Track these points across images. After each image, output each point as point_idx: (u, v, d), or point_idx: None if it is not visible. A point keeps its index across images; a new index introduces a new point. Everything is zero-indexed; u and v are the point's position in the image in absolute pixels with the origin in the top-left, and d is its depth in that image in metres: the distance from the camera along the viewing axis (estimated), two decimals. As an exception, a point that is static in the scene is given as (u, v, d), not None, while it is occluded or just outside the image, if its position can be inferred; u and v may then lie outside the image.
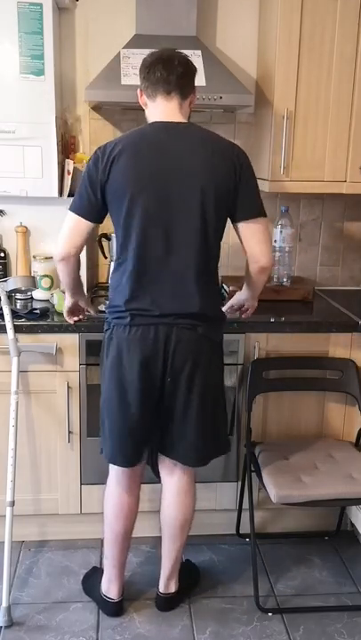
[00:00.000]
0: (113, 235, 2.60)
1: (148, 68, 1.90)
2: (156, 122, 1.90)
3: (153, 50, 1.96)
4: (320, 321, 2.49)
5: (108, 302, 2.00)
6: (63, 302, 2.37)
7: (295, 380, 2.44)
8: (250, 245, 1.96)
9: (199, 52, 2.39)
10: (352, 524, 2.65)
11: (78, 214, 1.92)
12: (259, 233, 1.94)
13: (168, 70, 1.88)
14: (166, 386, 1.92)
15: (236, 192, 1.89)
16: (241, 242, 1.98)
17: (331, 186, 2.55)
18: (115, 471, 2.09)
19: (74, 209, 1.93)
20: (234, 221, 1.95)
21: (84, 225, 1.93)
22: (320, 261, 3.00)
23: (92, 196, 1.89)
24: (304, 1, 2.37)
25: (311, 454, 2.36)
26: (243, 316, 2.24)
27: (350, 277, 3.03)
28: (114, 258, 1.96)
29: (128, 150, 1.84)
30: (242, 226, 1.94)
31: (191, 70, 1.93)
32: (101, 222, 1.98)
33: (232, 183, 1.88)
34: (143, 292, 1.88)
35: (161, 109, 1.90)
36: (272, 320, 2.40)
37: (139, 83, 1.96)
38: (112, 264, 2.62)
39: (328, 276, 3.02)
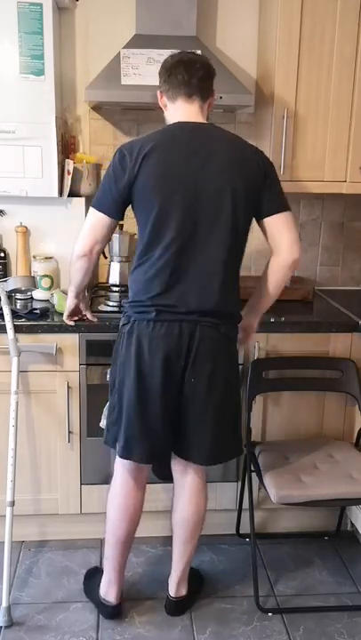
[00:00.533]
0: (113, 235, 2.60)
1: (168, 71, 1.93)
2: (180, 122, 1.93)
3: (173, 51, 2.00)
4: (320, 321, 2.49)
5: (128, 296, 1.98)
6: (63, 302, 2.37)
7: (295, 380, 2.44)
8: (280, 238, 1.94)
9: (199, 52, 2.39)
10: (352, 524, 2.66)
11: (101, 211, 1.95)
12: (288, 225, 1.94)
13: (190, 73, 1.91)
14: (187, 384, 1.92)
15: (262, 189, 1.91)
16: (268, 238, 1.96)
17: (331, 186, 2.55)
18: (122, 470, 2.07)
19: (96, 206, 1.96)
20: (260, 218, 1.95)
21: (106, 221, 1.95)
22: (320, 261, 3.00)
23: (115, 194, 1.91)
24: (304, 1, 2.37)
25: (311, 454, 2.36)
26: (238, 344, 2.08)
27: (350, 277, 3.03)
28: (137, 253, 1.96)
29: (158, 149, 1.86)
30: (269, 220, 1.93)
31: (211, 73, 1.97)
32: (122, 219, 2.00)
33: (259, 181, 1.90)
34: (170, 288, 1.88)
35: (182, 112, 1.93)
36: (272, 320, 2.40)
37: (158, 84, 1.99)
38: (112, 261, 2.65)
39: (328, 276, 3.02)
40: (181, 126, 1.92)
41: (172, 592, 2.20)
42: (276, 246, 1.96)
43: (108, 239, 2.03)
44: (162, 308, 1.88)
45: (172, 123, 1.95)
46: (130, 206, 1.97)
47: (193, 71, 1.91)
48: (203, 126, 1.92)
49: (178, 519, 2.13)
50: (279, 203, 1.94)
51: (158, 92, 2.00)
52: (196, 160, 1.86)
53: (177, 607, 2.20)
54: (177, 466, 2.10)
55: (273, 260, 1.99)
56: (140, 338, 1.90)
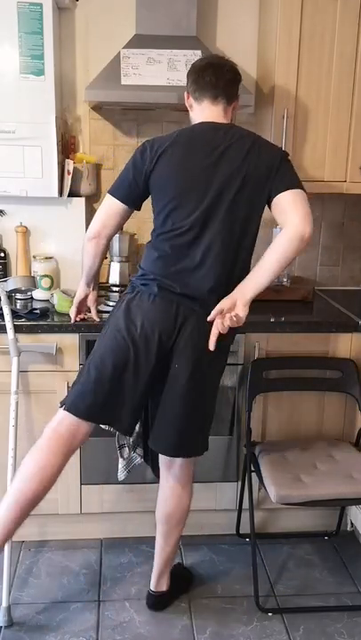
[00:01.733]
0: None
1: (197, 73, 1.99)
2: (202, 122, 1.98)
3: (202, 55, 2.10)
4: (320, 321, 2.49)
5: (137, 272, 2.02)
6: (63, 302, 2.37)
7: (295, 380, 2.44)
8: (291, 211, 1.85)
9: (199, 52, 2.39)
10: (352, 524, 2.66)
11: (115, 196, 2.01)
12: (301, 200, 1.88)
13: (217, 76, 1.97)
14: (171, 369, 1.92)
15: (275, 177, 1.90)
16: (279, 215, 1.90)
17: (331, 186, 2.55)
18: (56, 429, 1.96)
19: (112, 191, 2.03)
20: (272, 199, 1.90)
21: (119, 207, 2.01)
22: (320, 261, 3.00)
23: (132, 182, 1.98)
24: (304, 1, 2.37)
25: (311, 454, 2.36)
26: (222, 324, 1.87)
27: (350, 277, 3.03)
28: (153, 235, 2.00)
29: (178, 144, 1.93)
30: (280, 196, 1.88)
31: (238, 78, 2.03)
32: (137, 209, 2.05)
33: (272, 171, 1.90)
34: (179, 272, 1.91)
35: (207, 113, 1.99)
36: (272, 320, 2.40)
37: (186, 85, 2.04)
38: (112, 261, 2.65)
39: (328, 275, 3.02)
40: (203, 125, 1.98)
41: (152, 586, 2.21)
42: (287, 220, 1.86)
43: (118, 227, 2.08)
44: (165, 286, 1.91)
45: (195, 122, 2.00)
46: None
47: (221, 74, 1.97)
48: (223, 125, 1.97)
49: (160, 514, 2.13)
50: (291, 182, 1.91)
51: (185, 92, 2.05)
52: (213, 155, 1.90)
53: (156, 602, 2.21)
54: (162, 460, 2.10)
55: (282, 232, 1.86)
56: (138, 307, 1.92)
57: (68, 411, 1.96)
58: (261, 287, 1.86)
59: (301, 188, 1.91)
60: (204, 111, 1.99)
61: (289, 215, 1.86)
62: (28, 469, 1.96)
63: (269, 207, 1.94)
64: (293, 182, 1.91)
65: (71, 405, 1.96)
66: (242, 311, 1.86)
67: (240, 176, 1.88)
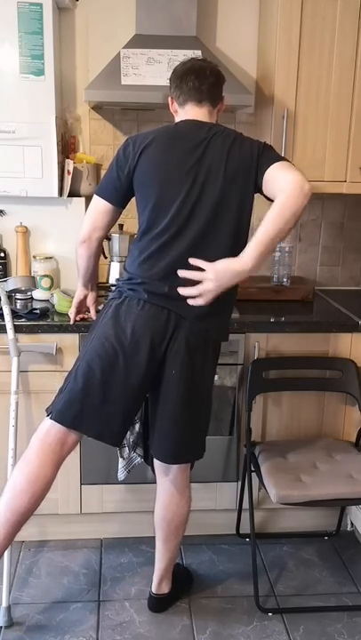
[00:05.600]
0: (113, 235, 2.61)
1: (180, 78, 1.98)
2: (185, 119, 1.98)
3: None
4: (320, 321, 2.49)
5: (123, 275, 2.00)
6: (63, 302, 2.37)
7: (295, 380, 2.44)
8: (282, 176, 1.79)
9: (199, 52, 2.39)
10: (352, 524, 2.66)
11: (101, 197, 2.01)
12: (288, 166, 1.83)
13: (200, 80, 1.95)
14: (166, 374, 1.90)
15: (257, 163, 1.87)
16: (271, 188, 1.83)
17: (331, 186, 2.55)
18: (43, 440, 1.94)
19: (98, 192, 2.03)
20: (260, 184, 1.86)
21: (107, 208, 2.01)
22: (320, 261, 3.00)
23: (117, 181, 1.97)
24: (304, 1, 2.37)
25: (311, 454, 2.36)
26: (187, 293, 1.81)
27: (350, 277, 3.03)
28: (136, 237, 1.99)
29: (158, 140, 1.93)
30: (267, 172, 1.84)
31: (221, 80, 2.01)
32: (124, 207, 2.05)
33: (255, 161, 1.87)
34: (163, 273, 1.88)
35: (191, 114, 1.98)
36: (272, 320, 2.40)
37: (170, 90, 2.03)
38: (112, 261, 2.65)
39: (328, 275, 3.02)
40: (186, 122, 1.97)
41: (153, 589, 2.21)
42: (281, 182, 1.77)
43: (108, 227, 2.07)
44: (153, 290, 1.88)
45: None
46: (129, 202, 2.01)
47: (203, 78, 1.95)
48: (206, 123, 1.96)
49: (158, 520, 2.12)
50: (276, 158, 1.88)
51: (170, 98, 2.04)
52: (195, 152, 1.88)
53: (158, 604, 2.21)
54: (158, 467, 2.09)
55: (281, 192, 1.74)
56: (127, 313, 1.89)
57: (54, 420, 1.93)
58: (263, 244, 1.72)
59: (289, 161, 1.89)
60: (188, 113, 1.98)
61: (282, 179, 1.78)
62: (18, 485, 1.93)
63: (261, 192, 1.89)
64: (278, 158, 1.89)
65: (57, 414, 1.92)
66: (251, 262, 1.73)
67: (223, 171, 1.87)
